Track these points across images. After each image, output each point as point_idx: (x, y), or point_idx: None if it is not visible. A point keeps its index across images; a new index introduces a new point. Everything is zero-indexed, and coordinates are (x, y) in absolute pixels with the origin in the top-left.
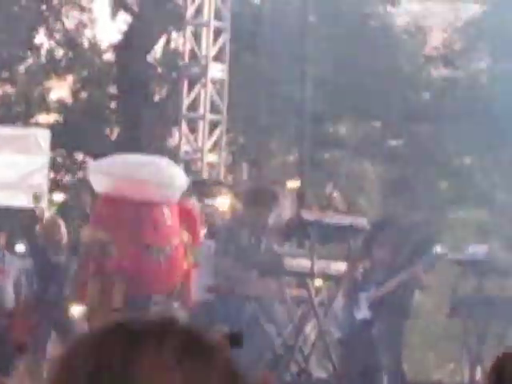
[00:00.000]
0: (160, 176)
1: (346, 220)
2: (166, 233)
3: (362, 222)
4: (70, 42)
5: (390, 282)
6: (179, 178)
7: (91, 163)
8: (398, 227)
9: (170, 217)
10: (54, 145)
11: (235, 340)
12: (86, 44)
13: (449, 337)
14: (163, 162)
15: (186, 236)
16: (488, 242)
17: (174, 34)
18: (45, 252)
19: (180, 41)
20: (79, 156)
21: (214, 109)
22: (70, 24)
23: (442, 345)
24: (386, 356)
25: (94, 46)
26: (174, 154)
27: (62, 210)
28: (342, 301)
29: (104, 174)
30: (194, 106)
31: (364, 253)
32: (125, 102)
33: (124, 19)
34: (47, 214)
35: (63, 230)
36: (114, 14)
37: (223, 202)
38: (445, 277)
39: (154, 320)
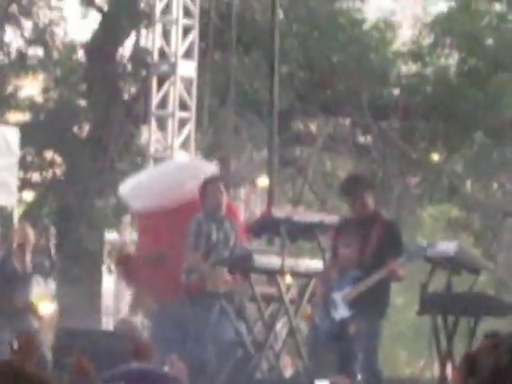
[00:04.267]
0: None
1: (316, 217)
2: None
3: (333, 219)
4: (41, 40)
5: (367, 279)
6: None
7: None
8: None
9: None
10: (24, 143)
11: None
12: (56, 42)
13: (419, 333)
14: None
15: None
16: (458, 238)
17: (143, 32)
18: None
19: (149, 38)
20: (49, 154)
21: (183, 106)
22: (40, 22)
23: (412, 341)
24: (363, 356)
25: (64, 45)
26: (143, 152)
27: (32, 208)
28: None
29: (142, 190)
30: (163, 104)
31: (333, 251)
32: (94, 100)
33: (94, 18)
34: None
35: (30, 235)
36: (84, 13)
37: None
38: (414, 273)
39: None
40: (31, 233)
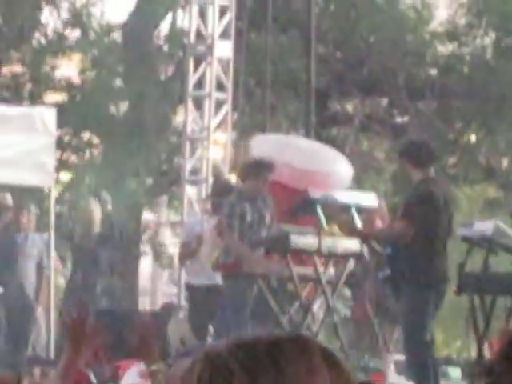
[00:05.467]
0: (334, 167)
1: (353, 198)
2: None
3: (370, 197)
4: (78, 20)
5: None
6: (348, 170)
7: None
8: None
9: None
10: (61, 124)
11: None
12: (93, 23)
13: (456, 314)
14: (331, 151)
15: None
16: (495, 218)
17: (179, 13)
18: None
19: (186, 19)
20: (86, 135)
21: (220, 87)
22: (77, 3)
23: (449, 322)
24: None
25: (101, 25)
26: (180, 133)
27: (69, 189)
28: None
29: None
30: (199, 85)
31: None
32: (131, 81)
33: None
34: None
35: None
36: None
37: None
38: (452, 253)
39: None
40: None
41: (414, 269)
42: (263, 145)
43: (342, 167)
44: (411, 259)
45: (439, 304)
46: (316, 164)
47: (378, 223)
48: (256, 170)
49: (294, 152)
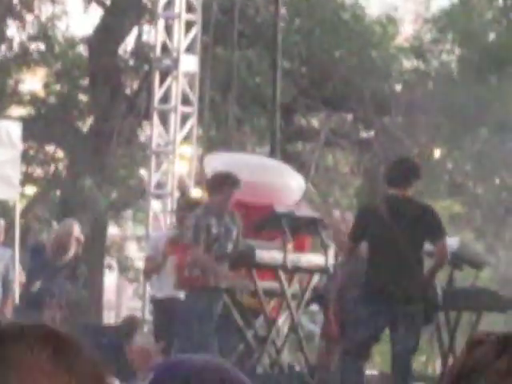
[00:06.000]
0: (282, 180)
1: (317, 212)
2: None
3: (335, 213)
4: (43, 34)
5: None
6: (299, 184)
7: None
8: None
9: None
10: (26, 137)
11: None
12: (58, 37)
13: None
14: (283, 166)
15: None
16: (460, 234)
17: (145, 27)
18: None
19: (151, 33)
20: (51, 148)
21: (186, 101)
22: (42, 16)
23: None
24: None
25: (66, 39)
26: (145, 146)
27: (33, 203)
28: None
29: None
30: (165, 99)
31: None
32: (97, 95)
33: (96, 12)
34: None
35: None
36: (86, 7)
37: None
38: None
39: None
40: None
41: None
42: (213, 162)
43: (291, 180)
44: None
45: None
46: (262, 176)
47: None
48: (221, 184)
49: (240, 166)
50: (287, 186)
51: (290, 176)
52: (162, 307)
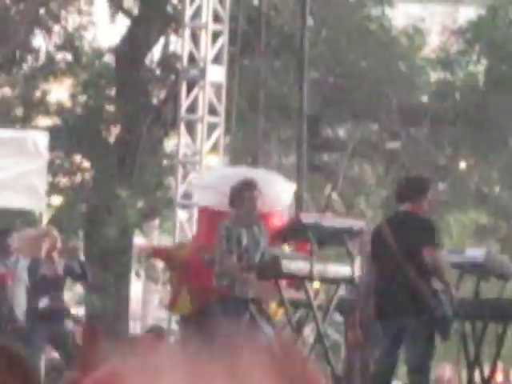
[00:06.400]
0: (265, 189)
1: (344, 223)
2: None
3: (361, 224)
4: (70, 44)
5: None
6: (285, 192)
7: (194, 180)
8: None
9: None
10: (53, 147)
11: None
12: (85, 47)
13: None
14: (270, 175)
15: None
16: (486, 245)
17: (172, 37)
18: (37, 265)
19: (178, 43)
20: (77, 158)
21: (212, 111)
22: (69, 27)
23: (440, 347)
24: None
25: (93, 49)
26: (172, 156)
27: (60, 213)
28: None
29: (207, 189)
30: (192, 109)
31: None
32: (123, 105)
33: (123, 22)
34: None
35: (56, 241)
36: (112, 17)
37: None
38: None
39: None
40: (58, 237)
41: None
42: (196, 182)
43: (274, 188)
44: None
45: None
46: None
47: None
48: (240, 191)
49: (220, 177)
50: (268, 194)
51: (272, 184)
52: (188, 317)
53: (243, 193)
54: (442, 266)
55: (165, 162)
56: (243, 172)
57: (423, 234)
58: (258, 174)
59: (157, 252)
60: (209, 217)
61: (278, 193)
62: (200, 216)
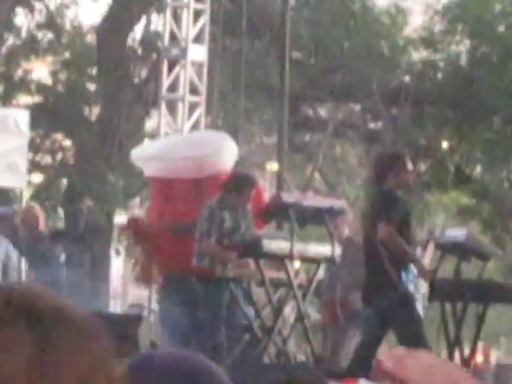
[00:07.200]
0: (204, 150)
1: (325, 202)
2: None
3: (342, 204)
4: (51, 23)
5: None
6: (229, 149)
7: (134, 152)
8: None
9: None
10: (34, 126)
11: None
12: (66, 25)
13: (427, 320)
14: (210, 135)
15: None
16: (467, 225)
17: (153, 16)
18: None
19: (160, 22)
20: (58, 137)
21: (194, 90)
22: (51, 5)
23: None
24: None
25: (74, 28)
26: (153, 135)
27: (40, 190)
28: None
29: (153, 159)
30: (173, 88)
31: None
32: (104, 84)
33: (105, 1)
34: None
35: (41, 218)
36: None
37: None
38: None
39: None
40: (41, 214)
41: None
42: (135, 150)
43: (215, 149)
44: None
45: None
46: (180, 151)
47: (344, 229)
48: (243, 186)
49: (164, 145)
50: (212, 155)
51: (207, 146)
52: (169, 293)
53: (244, 190)
54: (388, 241)
55: (146, 141)
56: (186, 139)
57: (377, 208)
58: (200, 137)
59: (129, 224)
60: (159, 187)
61: (223, 149)
62: (151, 186)
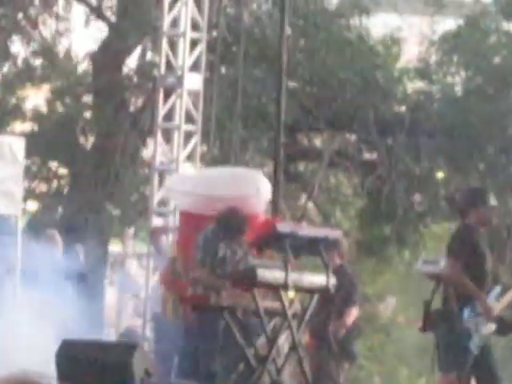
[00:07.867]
0: (242, 190)
1: (320, 232)
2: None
3: (337, 234)
4: (47, 50)
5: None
6: (263, 191)
7: (169, 182)
8: None
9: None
10: (29, 153)
11: None
12: (61, 53)
13: (421, 351)
14: (247, 174)
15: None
16: None
17: (149, 45)
18: None
19: (156, 51)
20: (54, 165)
21: (190, 119)
22: (46, 33)
23: (414, 359)
24: None
25: (69, 56)
26: (148, 164)
27: (36, 218)
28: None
29: (185, 194)
30: (169, 117)
31: None
32: (100, 112)
33: (100, 29)
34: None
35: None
36: (89, 24)
37: None
38: (417, 290)
39: None
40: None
41: None
42: (169, 181)
43: (253, 190)
44: None
45: None
46: (219, 190)
47: (336, 259)
48: (235, 225)
49: (196, 180)
50: (248, 196)
51: (251, 185)
52: (164, 323)
53: (238, 233)
54: (452, 276)
55: (142, 170)
56: (224, 176)
57: (453, 243)
58: (239, 175)
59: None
60: (188, 221)
61: (261, 190)
62: (180, 220)
